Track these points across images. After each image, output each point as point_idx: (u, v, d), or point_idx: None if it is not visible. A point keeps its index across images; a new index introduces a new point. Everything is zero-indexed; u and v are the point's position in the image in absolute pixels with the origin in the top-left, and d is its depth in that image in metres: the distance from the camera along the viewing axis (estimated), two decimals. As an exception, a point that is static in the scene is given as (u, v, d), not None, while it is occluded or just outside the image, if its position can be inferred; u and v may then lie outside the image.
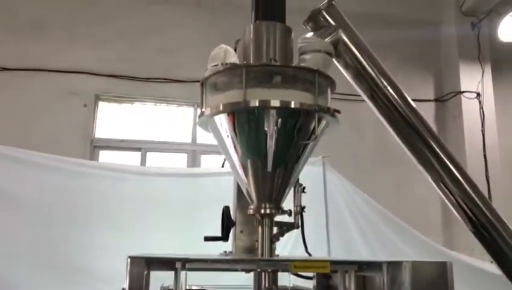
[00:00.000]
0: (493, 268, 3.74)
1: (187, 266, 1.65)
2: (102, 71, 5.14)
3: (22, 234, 3.48)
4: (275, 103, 1.79)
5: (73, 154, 4.19)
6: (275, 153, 1.83)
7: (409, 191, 5.54)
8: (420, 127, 2.11)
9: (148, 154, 5.26)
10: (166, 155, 5.43)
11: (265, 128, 1.81)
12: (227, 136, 1.89)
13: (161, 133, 5.37)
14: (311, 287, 2.58)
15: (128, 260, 1.60)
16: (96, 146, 5.14)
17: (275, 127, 1.80)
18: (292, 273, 2.50)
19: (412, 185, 5.53)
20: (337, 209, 4.16)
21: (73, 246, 3.57)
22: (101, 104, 5.31)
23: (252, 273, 2.05)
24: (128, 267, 1.60)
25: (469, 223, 2.09)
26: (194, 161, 5.36)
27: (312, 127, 1.83)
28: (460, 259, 4.01)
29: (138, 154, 5.23)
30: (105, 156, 5.19)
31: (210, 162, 5.41)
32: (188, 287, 1.74)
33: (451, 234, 5.55)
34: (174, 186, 3.97)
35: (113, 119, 5.30)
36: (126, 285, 1.61)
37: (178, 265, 1.67)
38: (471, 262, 4.08)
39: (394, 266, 1.80)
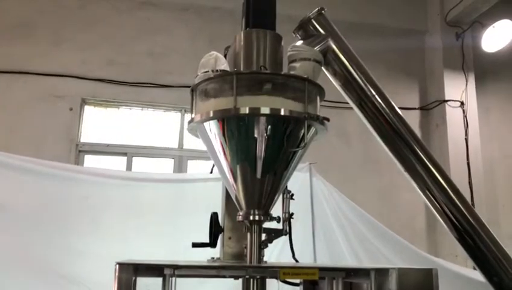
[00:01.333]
0: (476, 275, 3.81)
1: (176, 272, 1.65)
2: (89, 75, 5.09)
3: (1, 237, 3.42)
4: (265, 110, 1.80)
5: (58, 159, 4.13)
6: (264, 159, 1.84)
7: (394, 198, 5.60)
8: (407, 135, 2.14)
9: (134, 159, 5.22)
10: (153, 160, 5.39)
11: (255, 135, 1.82)
12: (217, 142, 1.90)
13: (147, 138, 5.34)
14: (298, 293, 2.60)
15: (117, 266, 1.59)
16: (82, 150, 5.08)
17: (265, 134, 1.81)
18: (280, 280, 2.52)
19: (397, 193, 5.60)
20: (323, 215, 4.18)
21: (55, 251, 3.51)
22: (86, 108, 5.26)
23: (237, 281, 2.05)
24: (117, 274, 1.58)
25: (454, 230, 2.12)
26: (180, 167, 5.34)
27: (301, 135, 1.85)
28: (444, 266, 4.05)
29: (124, 159, 5.19)
30: (91, 161, 5.13)
31: (197, 168, 5.40)
32: None
33: (435, 240, 5.62)
34: (160, 192, 3.94)
35: (99, 123, 5.25)
36: (114, 292, 1.60)
37: (167, 271, 1.66)
38: (455, 269, 4.13)
39: (381, 273, 1.82)
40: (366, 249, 4.02)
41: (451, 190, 2.13)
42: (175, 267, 1.60)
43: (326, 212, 4.21)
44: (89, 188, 3.76)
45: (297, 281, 2.74)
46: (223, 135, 1.87)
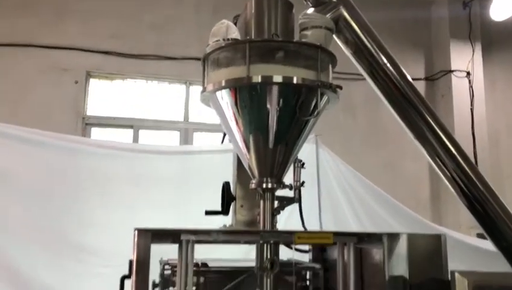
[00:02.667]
0: (479, 243, 3.88)
1: (192, 238, 1.68)
2: (94, 48, 5.06)
3: (12, 209, 3.47)
4: (278, 78, 1.80)
5: (64, 132, 4.15)
6: (276, 128, 1.85)
7: (398, 170, 5.63)
8: (418, 103, 2.15)
9: (141, 132, 5.24)
10: (159, 133, 5.42)
11: (268, 104, 1.83)
12: (230, 111, 1.91)
13: (153, 111, 5.35)
14: (307, 260, 2.66)
15: (136, 232, 1.62)
16: (88, 123, 5.10)
17: (277, 103, 1.82)
18: (289, 248, 2.57)
19: (402, 164, 5.64)
20: (329, 185, 4.22)
21: (65, 222, 3.57)
22: (92, 81, 5.24)
23: (247, 249, 2.08)
24: (136, 239, 1.62)
25: (463, 196, 2.15)
26: (186, 139, 5.36)
27: (314, 103, 1.86)
28: (448, 234, 4.09)
29: (130, 132, 5.20)
30: (97, 134, 5.15)
31: (202, 140, 5.43)
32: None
33: (439, 211, 5.68)
34: (167, 164, 3.98)
35: (104, 96, 5.25)
36: (134, 257, 1.63)
37: (184, 237, 1.70)
38: (459, 237, 4.20)
39: (392, 238, 1.86)
40: (371, 217, 4.08)
41: (461, 157, 2.15)
42: (193, 232, 1.64)
43: (332, 182, 4.25)
44: (97, 160, 3.80)
45: (306, 248, 2.81)
46: (236, 104, 1.87)
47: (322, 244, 2.28)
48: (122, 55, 5.16)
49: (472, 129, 5.56)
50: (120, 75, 5.29)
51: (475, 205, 2.14)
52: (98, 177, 3.75)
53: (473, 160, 5.27)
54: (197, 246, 1.77)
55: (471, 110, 5.61)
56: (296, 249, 2.67)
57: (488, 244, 3.22)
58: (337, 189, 4.29)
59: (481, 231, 4.78)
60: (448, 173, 2.15)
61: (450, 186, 2.18)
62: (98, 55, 5.08)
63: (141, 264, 1.64)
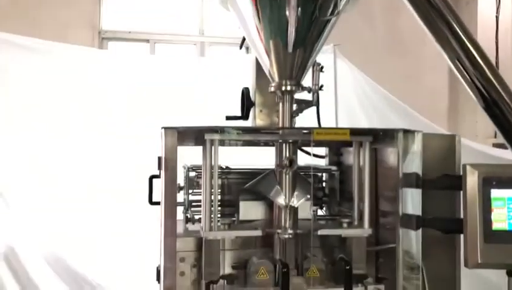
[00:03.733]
0: (495, 151, 3.94)
1: (217, 137, 1.77)
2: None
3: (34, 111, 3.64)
4: (298, -23, 1.77)
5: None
6: (296, 30, 1.85)
7: (417, 81, 5.57)
8: (440, 4, 2.09)
9: (157, 45, 5.22)
10: (175, 47, 5.40)
11: (288, 4, 1.81)
12: (249, 14, 1.90)
13: (169, 25, 5.28)
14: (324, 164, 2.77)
15: (162, 130, 1.71)
16: (104, 38, 5.08)
17: (297, 2, 1.80)
18: (307, 153, 2.66)
19: (421, 76, 5.56)
20: (346, 95, 4.25)
21: (90, 131, 3.73)
22: (107, -6, 5.15)
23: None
24: (163, 138, 1.72)
25: (481, 99, 2.16)
26: (202, 52, 5.34)
27: (334, 2, 1.84)
28: (463, 143, 4.15)
29: (147, 45, 5.19)
30: (114, 48, 5.15)
31: (218, 54, 5.40)
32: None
33: (456, 123, 5.70)
34: (183, 76, 4.01)
35: (120, 9, 5.17)
36: (162, 155, 1.74)
37: (207, 137, 1.79)
38: (475, 146, 4.25)
39: (407, 136, 1.92)
40: (386, 126, 4.12)
41: (481, 59, 2.13)
42: (220, 129, 1.71)
43: (349, 93, 4.27)
44: (112, 72, 3.86)
45: (322, 154, 2.91)
46: (255, 5, 1.86)
47: (339, 141, 2.33)
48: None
49: (496, 38, 5.39)
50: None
51: (493, 108, 2.16)
52: (113, 88, 3.83)
53: (494, 69, 5.25)
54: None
55: (497, 17, 5.39)
56: (315, 155, 2.79)
57: (504, 153, 3.29)
58: (355, 100, 4.32)
59: (497, 141, 4.84)
60: (467, 76, 2.15)
61: (468, 89, 2.18)
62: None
63: (169, 162, 1.75)
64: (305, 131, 1.82)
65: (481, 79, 2.14)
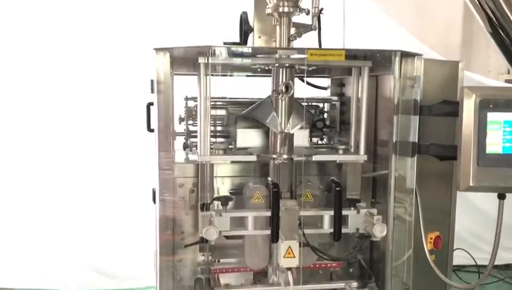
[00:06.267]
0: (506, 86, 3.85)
1: (210, 61, 1.73)
2: None
3: None
4: None
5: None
6: None
7: (430, 13, 5.34)
8: None
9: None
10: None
11: None
12: None
13: None
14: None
15: (154, 52, 1.68)
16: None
17: None
18: (308, 84, 2.62)
19: (435, 8, 5.33)
20: (355, 27, 4.10)
21: None
22: None
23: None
24: (155, 60, 1.68)
25: (488, 24, 2.08)
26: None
27: None
28: (474, 79, 4.06)
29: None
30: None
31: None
32: None
33: (469, 58, 5.52)
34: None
35: None
36: (154, 77, 1.71)
37: (201, 60, 1.75)
38: (487, 82, 4.15)
39: (406, 60, 1.85)
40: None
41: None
42: (213, 48, 1.67)
43: (359, 23, 4.12)
44: None
45: (324, 85, 2.86)
46: None
47: (339, 68, 2.29)
48: None
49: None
50: None
51: (500, 33, 2.08)
52: None
53: None
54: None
55: None
56: (315, 86, 2.75)
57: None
58: (364, 29, 4.17)
59: (510, 77, 4.71)
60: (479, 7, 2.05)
61: (476, 13, 2.09)
62: None
63: (162, 85, 1.72)
64: (298, 50, 1.75)
65: (489, 2, 2.05)
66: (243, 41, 2.20)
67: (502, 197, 1.64)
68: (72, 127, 3.63)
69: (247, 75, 2.47)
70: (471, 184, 1.59)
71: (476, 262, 3.68)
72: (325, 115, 2.59)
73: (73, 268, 3.63)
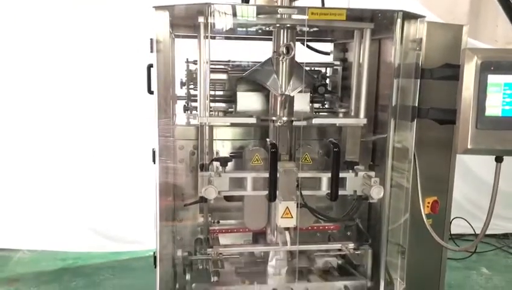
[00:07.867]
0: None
1: (210, 20, 1.70)
2: None
3: None
4: None
5: None
6: None
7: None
8: None
9: None
10: None
11: None
12: None
13: None
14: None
15: (153, 10, 1.65)
16: None
17: None
18: (309, 48, 2.58)
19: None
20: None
21: None
22: None
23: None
24: (154, 19, 1.66)
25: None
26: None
27: None
28: (480, 47, 4.00)
29: None
30: None
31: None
32: None
33: (476, 27, 5.42)
34: None
35: None
36: (154, 36, 1.69)
37: (201, 20, 1.74)
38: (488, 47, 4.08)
39: (409, 22, 1.82)
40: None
41: None
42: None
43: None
44: None
45: (328, 50, 2.83)
46: None
47: (342, 31, 2.25)
48: None
49: None
50: None
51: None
52: None
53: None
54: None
55: None
56: (318, 51, 2.71)
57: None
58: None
59: (517, 48, 4.61)
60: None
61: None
62: None
63: (161, 44, 1.70)
64: (299, 9, 1.72)
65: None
66: (245, 0, 2.17)
67: (499, 160, 1.64)
68: (72, 89, 3.63)
69: (248, 37, 2.44)
70: (469, 147, 1.59)
71: (475, 231, 3.70)
72: (327, 81, 2.57)
73: (76, 230, 3.69)
